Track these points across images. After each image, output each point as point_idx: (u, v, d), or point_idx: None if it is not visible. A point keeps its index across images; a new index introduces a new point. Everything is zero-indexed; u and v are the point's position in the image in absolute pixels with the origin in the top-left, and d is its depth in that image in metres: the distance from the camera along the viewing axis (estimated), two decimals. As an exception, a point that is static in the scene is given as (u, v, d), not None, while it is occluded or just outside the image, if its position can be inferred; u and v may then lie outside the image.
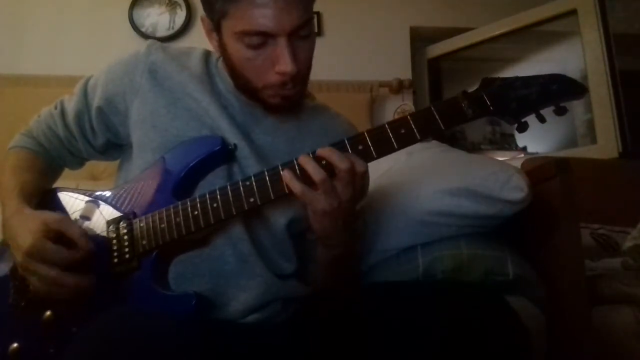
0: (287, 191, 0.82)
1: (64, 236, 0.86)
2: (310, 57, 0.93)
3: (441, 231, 1.33)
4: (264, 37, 0.86)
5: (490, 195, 1.28)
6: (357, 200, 0.85)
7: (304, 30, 0.88)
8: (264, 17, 0.84)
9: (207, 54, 1.05)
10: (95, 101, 1.02)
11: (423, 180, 1.35)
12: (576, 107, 2.65)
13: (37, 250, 0.84)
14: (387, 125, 0.81)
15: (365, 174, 0.81)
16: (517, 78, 0.80)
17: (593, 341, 1.22)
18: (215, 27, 0.92)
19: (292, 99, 0.94)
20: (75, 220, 0.93)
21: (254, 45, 0.87)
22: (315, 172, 0.79)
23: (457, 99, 0.80)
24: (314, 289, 0.98)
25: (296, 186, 0.80)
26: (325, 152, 0.80)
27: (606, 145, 2.38)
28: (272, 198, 0.83)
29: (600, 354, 1.23)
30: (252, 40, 0.86)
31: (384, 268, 1.26)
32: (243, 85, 0.94)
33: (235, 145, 0.93)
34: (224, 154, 0.91)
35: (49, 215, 0.89)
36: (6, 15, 2.73)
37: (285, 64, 0.86)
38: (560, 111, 0.79)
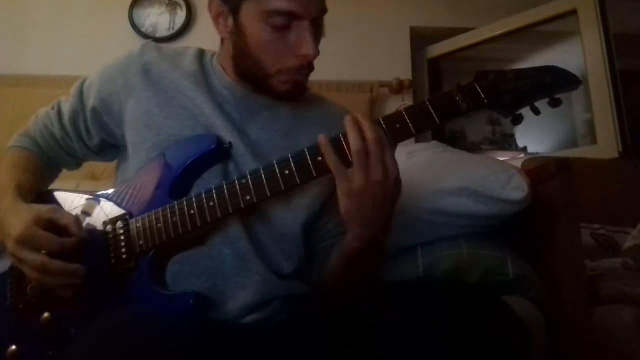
0: (283, 188, 0.82)
1: (57, 225, 0.86)
2: None
3: (441, 231, 1.33)
4: (290, 19, 0.88)
5: (490, 195, 1.28)
6: (388, 190, 0.79)
7: (321, 19, 0.92)
8: None
9: (201, 52, 1.05)
10: (90, 102, 1.02)
11: (423, 180, 1.35)
12: (576, 107, 2.65)
13: (27, 237, 0.84)
14: (381, 120, 0.81)
15: (391, 154, 0.78)
16: (510, 70, 0.80)
17: (593, 341, 1.22)
18: (233, 7, 0.92)
19: (301, 86, 0.96)
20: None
21: (278, 27, 0.88)
22: (355, 141, 0.78)
23: (452, 92, 0.80)
24: (320, 286, 0.97)
25: (331, 158, 0.79)
26: (362, 123, 0.79)
27: (606, 145, 2.38)
28: (269, 195, 0.83)
29: (600, 354, 1.23)
30: (278, 21, 0.88)
31: (384, 267, 1.26)
32: (252, 71, 0.94)
33: (230, 143, 0.93)
34: (219, 153, 0.91)
35: (41, 206, 0.89)
36: (6, 15, 2.73)
37: (308, 47, 0.88)
38: (555, 103, 0.79)
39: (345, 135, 0.79)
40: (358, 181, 0.78)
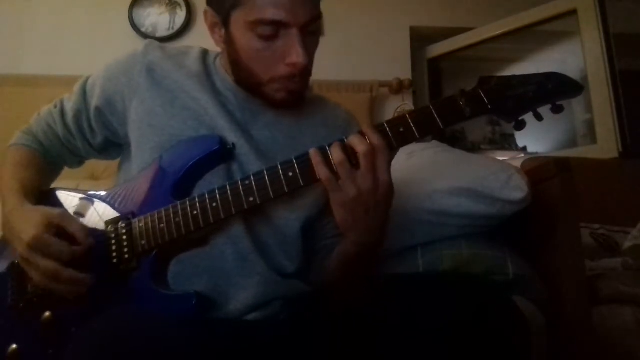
0: (287, 190, 0.82)
1: (64, 231, 0.86)
2: (314, 54, 0.95)
3: (441, 231, 1.33)
4: (277, 28, 0.87)
5: (490, 195, 1.28)
6: (379, 198, 0.80)
7: (314, 26, 0.91)
8: (279, 7, 0.85)
9: (204, 53, 1.05)
10: (94, 101, 1.02)
11: (423, 180, 1.35)
12: (576, 107, 2.65)
13: (40, 243, 0.84)
14: (385, 124, 0.81)
15: (385, 162, 0.79)
16: (513, 76, 0.80)
17: (593, 341, 1.22)
18: (223, 18, 0.92)
19: (297, 94, 0.95)
20: (74, 220, 0.93)
21: (265, 36, 0.88)
22: (338, 154, 0.79)
23: (455, 97, 0.80)
24: (321, 286, 0.97)
25: (323, 171, 0.80)
26: (351, 138, 0.80)
27: (606, 145, 2.38)
28: (272, 197, 0.83)
29: (600, 354, 1.23)
30: (265, 30, 0.87)
31: (384, 267, 1.26)
32: (247, 79, 0.95)
33: (233, 144, 0.93)
34: (222, 154, 0.91)
35: (50, 210, 0.89)
36: (6, 16, 2.73)
37: (297, 55, 0.87)
38: (557, 109, 0.79)
39: (330, 147, 0.81)
40: (349, 192, 0.79)
